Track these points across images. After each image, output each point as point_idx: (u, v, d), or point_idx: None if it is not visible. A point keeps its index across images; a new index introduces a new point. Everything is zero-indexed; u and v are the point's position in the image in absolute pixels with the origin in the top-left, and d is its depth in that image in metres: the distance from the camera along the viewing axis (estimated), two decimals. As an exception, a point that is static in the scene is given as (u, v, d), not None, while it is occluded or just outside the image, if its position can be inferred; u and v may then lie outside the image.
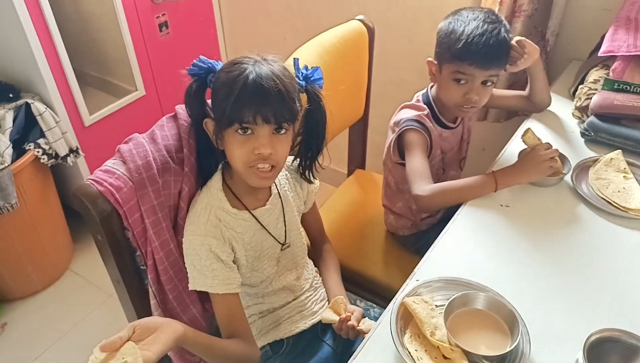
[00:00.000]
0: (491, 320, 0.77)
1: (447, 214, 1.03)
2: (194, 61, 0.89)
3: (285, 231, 1.02)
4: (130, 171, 0.89)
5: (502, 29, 1.05)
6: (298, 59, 0.95)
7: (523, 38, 1.13)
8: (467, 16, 1.06)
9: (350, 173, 1.75)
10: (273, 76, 0.83)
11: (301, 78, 0.93)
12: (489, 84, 1.09)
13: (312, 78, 0.94)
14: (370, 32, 1.42)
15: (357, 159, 1.73)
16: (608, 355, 0.68)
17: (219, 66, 0.89)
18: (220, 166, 0.98)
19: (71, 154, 1.80)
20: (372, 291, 1.33)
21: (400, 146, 1.17)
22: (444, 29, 1.08)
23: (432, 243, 0.96)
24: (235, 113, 0.83)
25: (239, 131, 0.85)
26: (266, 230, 0.99)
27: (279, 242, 1.02)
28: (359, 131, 1.65)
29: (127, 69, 1.99)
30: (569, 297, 0.83)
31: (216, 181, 0.96)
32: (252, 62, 0.85)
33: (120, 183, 0.87)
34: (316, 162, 1.03)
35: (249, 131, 0.85)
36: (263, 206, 0.98)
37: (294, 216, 1.04)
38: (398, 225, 1.36)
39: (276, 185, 1.01)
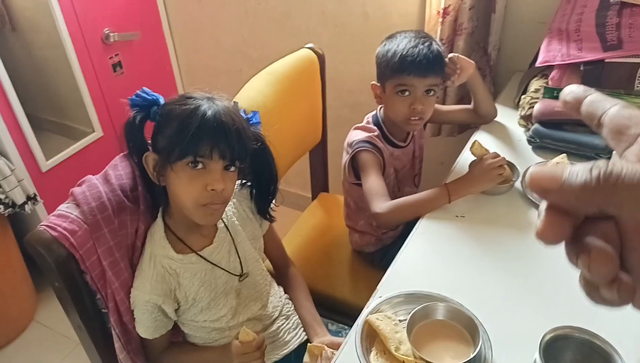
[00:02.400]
0: (453, 330, 0.79)
1: (410, 226, 1.06)
2: (137, 92, 0.89)
3: (240, 262, 1.02)
4: (85, 213, 0.88)
5: (433, 42, 1.13)
6: (237, 102, 0.96)
7: (456, 54, 1.20)
8: (400, 36, 1.15)
9: (314, 196, 1.76)
10: (230, 113, 0.85)
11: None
12: (431, 93, 1.15)
13: (252, 121, 0.96)
14: (321, 58, 1.45)
15: (319, 183, 1.75)
16: (564, 351, 0.70)
17: (161, 99, 0.90)
18: (160, 210, 0.97)
19: (29, 202, 1.75)
20: (343, 313, 1.33)
21: (354, 167, 1.20)
22: (381, 52, 1.16)
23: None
24: (191, 146, 0.83)
25: (191, 164, 0.85)
26: (218, 267, 0.99)
27: (235, 275, 1.01)
28: (318, 155, 1.67)
29: (83, 111, 1.98)
30: (526, 299, 0.86)
31: (158, 227, 0.95)
32: (205, 99, 0.86)
33: (74, 226, 0.86)
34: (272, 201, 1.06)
35: (200, 166, 0.85)
36: (210, 244, 0.98)
37: (247, 244, 1.04)
38: (363, 242, 1.38)
39: (222, 218, 1.01)
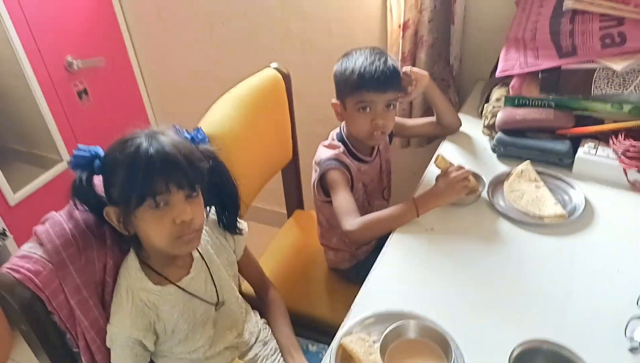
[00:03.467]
0: (426, 347, 0.79)
1: (383, 241, 1.06)
2: (74, 152, 0.86)
3: (217, 290, 1.01)
4: (49, 252, 0.86)
5: (388, 58, 1.15)
6: (177, 125, 0.95)
7: (409, 67, 1.24)
8: (355, 54, 1.16)
9: (289, 214, 1.76)
10: (173, 143, 0.84)
11: (189, 140, 0.93)
12: (390, 108, 1.17)
13: (198, 139, 0.95)
14: (286, 77, 1.46)
15: (294, 200, 1.74)
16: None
17: (100, 151, 0.87)
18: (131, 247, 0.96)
19: (-3, 237, 1.72)
20: (323, 332, 1.32)
21: (323, 186, 1.21)
22: (339, 70, 1.18)
23: (371, 271, 0.98)
24: (146, 188, 0.81)
25: (153, 206, 0.83)
26: (196, 297, 0.98)
27: (211, 304, 1.00)
28: (291, 173, 1.67)
29: (50, 140, 1.95)
30: (496, 311, 0.86)
31: (132, 261, 0.94)
32: (144, 136, 0.84)
33: (38, 266, 0.84)
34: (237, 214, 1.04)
35: (162, 204, 0.84)
36: (187, 274, 0.97)
37: (223, 272, 1.03)
38: (338, 259, 1.38)
39: (197, 247, 1.00)
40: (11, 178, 1.80)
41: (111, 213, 0.87)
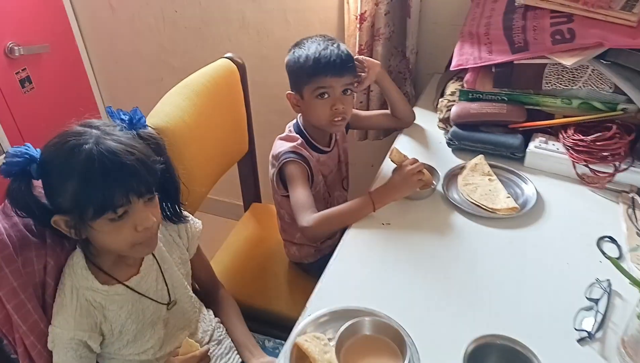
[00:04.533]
0: (382, 344, 0.78)
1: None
2: (4, 159, 0.77)
3: (168, 289, 0.98)
4: (-19, 254, 0.80)
5: (341, 44, 1.15)
6: (111, 106, 0.89)
7: (361, 57, 1.24)
8: (307, 42, 1.15)
9: (246, 207, 1.73)
10: (127, 149, 0.78)
11: (126, 123, 0.87)
12: (348, 93, 1.16)
13: (136, 120, 0.88)
14: (241, 68, 1.42)
15: (251, 193, 1.71)
16: (487, 358, 0.71)
17: (34, 152, 0.79)
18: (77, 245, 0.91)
19: None
20: (281, 327, 1.29)
21: (282, 179, 1.18)
22: (292, 59, 1.16)
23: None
24: (104, 201, 0.76)
25: (112, 217, 0.79)
26: (146, 296, 0.94)
27: (162, 304, 0.97)
28: (247, 165, 1.64)
29: (-11, 131, 1.83)
30: (451, 306, 0.87)
31: (78, 259, 0.89)
32: (91, 139, 0.77)
33: (-31, 270, 0.79)
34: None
35: (122, 212, 0.79)
36: (137, 274, 0.93)
37: (175, 271, 1.00)
38: (302, 255, 1.36)
39: None
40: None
41: (60, 222, 0.81)
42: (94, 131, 0.80)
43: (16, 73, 1.89)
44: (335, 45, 1.13)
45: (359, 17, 1.46)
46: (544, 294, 0.88)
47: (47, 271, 0.88)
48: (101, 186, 0.76)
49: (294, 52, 1.16)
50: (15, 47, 1.84)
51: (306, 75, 1.12)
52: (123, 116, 0.88)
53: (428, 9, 1.55)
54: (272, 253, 1.48)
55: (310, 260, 1.36)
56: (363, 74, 1.22)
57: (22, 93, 1.92)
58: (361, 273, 0.95)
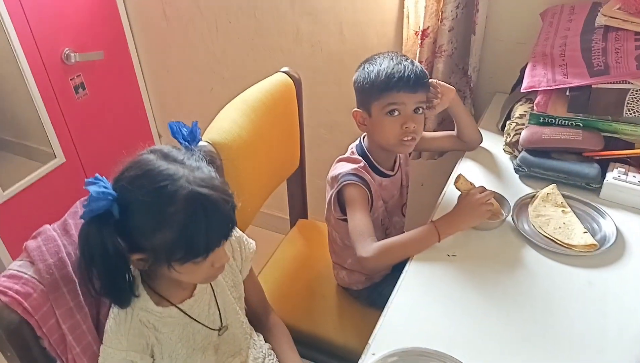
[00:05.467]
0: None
1: (401, 262, 0.99)
2: (85, 201, 0.73)
3: (220, 314, 0.94)
4: (40, 272, 0.78)
5: (414, 60, 1.10)
6: (179, 122, 0.86)
7: (435, 80, 1.15)
8: (379, 58, 1.10)
9: (293, 223, 1.69)
10: (221, 195, 0.76)
11: (189, 141, 0.85)
12: (419, 112, 1.10)
13: (197, 137, 0.86)
14: (297, 82, 1.38)
15: (298, 209, 1.67)
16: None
17: (110, 187, 0.74)
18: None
19: (-16, 237, 1.63)
20: (328, 353, 1.26)
21: (340, 202, 1.13)
22: (362, 76, 1.10)
23: (386, 295, 0.91)
24: (199, 249, 0.76)
25: (199, 261, 0.77)
26: (197, 321, 0.91)
27: (213, 329, 0.93)
28: (297, 182, 1.60)
29: (43, 133, 1.86)
30: (526, 348, 0.80)
31: (135, 278, 0.86)
32: (183, 182, 0.74)
33: (28, 288, 0.77)
34: None
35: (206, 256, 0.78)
36: (190, 297, 0.90)
37: (228, 295, 0.96)
38: (352, 281, 1.30)
39: None
40: (1, 172, 1.72)
41: (135, 261, 0.79)
42: (180, 169, 0.76)
43: (71, 79, 1.92)
44: (408, 61, 1.07)
45: (420, 32, 1.41)
46: (628, 344, 0.79)
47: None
48: (202, 237, 0.75)
49: (363, 67, 1.10)
50: (71, 54, 1.87)
51: (377, 90, 1.06)
52: (185, 132, 0.86)
53: (493, 26, 1.48)
54: (320, 274, 1.43)
55: (360, 287, 1.30)
56: (436, 100, 1.15)
57: (75, 99, 1.94)
58: (426, 309, 0.89)
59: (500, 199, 1.07)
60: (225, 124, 1.15)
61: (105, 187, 0.73)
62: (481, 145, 1.29)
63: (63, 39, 1.84)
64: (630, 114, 1.09)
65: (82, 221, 0.76)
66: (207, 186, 0.75)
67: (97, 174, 0.75)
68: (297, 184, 1.60)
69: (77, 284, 0.81)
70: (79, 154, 1.98)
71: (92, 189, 0.72)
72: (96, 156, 2.00)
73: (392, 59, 1.07)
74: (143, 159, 0.77)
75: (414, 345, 0.79)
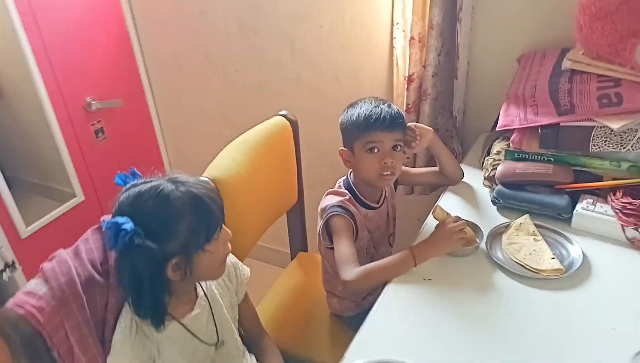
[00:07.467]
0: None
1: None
2: (108, 232, 0.84)
3: (217, 329, 1.03)
4: (53, 289, 0.89)
5: (392, 104, 1.22)
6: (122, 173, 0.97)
7: (413, 123, 1.28)
8: (360, 102, 1.23)
9: (293, 256, 1.78)
10: (201, 182, 0.94)
11: (134, 176, 0.96)
12: (398, 149, 1.21)
13: (137, 173, 0.98)
14: (294, 124, 1.51)
15: (298, 242, 1.77)
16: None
17: (120, 218, 0.84)
18: None
19: (7, 269, 1.75)
20: (321, 378, 1.33)
21: (328, 231, 1.23)
22: (345, 117, 1.24)
23: (377, 321, 0.98)
24: (214, 222, 0.92)
25: (216, 237, 0.93)
26: (197, 337, 0.99)
27: (210, 344, 1.01)
28: (296, 215, 1.70)
29: (65, 175, 2.01)
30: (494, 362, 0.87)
31: None
32: (166, 183, 0.89)
33: (42, 303, 0.87)
34: None
35: (216, 238, 0.94)
36: (191, 312, 0.99)
37: (224, 313, 1.05)
38: (342, 308, 1.38)
39: (201, 285, 1.03)
40: (25, 210, 1.86)
41: (170, 269, 0.90)
42: (160, 180, 0.91)
43: (92, 125, 2.08)
44: (386, 104, 1.20)
45: (406, 78, 1.53)
46: (588, 360, 0.86)
47: (109, 308, 0.95)
48: (211, 214, 0.91)
49: (347, 111, 1.24)
50: (93, 102, 2.04)
51: (358, 130, 1.19)
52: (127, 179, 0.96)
53: (475, 70, 1.60)
54: (316, 303, 1.50)
55: (350, 313, 1.38)
56: (414, 143, 1.27)
57: (95, 143, 2.11)
58: (400, 327, 0.97)
59: (474, 227, 1.15)
60: (225, 161, 1.27)
61: (116, 221, 0.85)
62: (464, 179, 1.39)
63: (85, 88, 2.02)
64: (596, 149, 1.18)
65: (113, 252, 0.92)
66: (190, 182, 0.91)
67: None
68: (297, 218, 1.70)
69: (85, 301, 0.91)
70: (97, 192, 2.12)
71: (108, 222, 0.84)
72: (113, 194, 2.13)
73: (371, 102, 1.20)
74: (130, 192, 0.90)
75: (385, 358, 0.86)
